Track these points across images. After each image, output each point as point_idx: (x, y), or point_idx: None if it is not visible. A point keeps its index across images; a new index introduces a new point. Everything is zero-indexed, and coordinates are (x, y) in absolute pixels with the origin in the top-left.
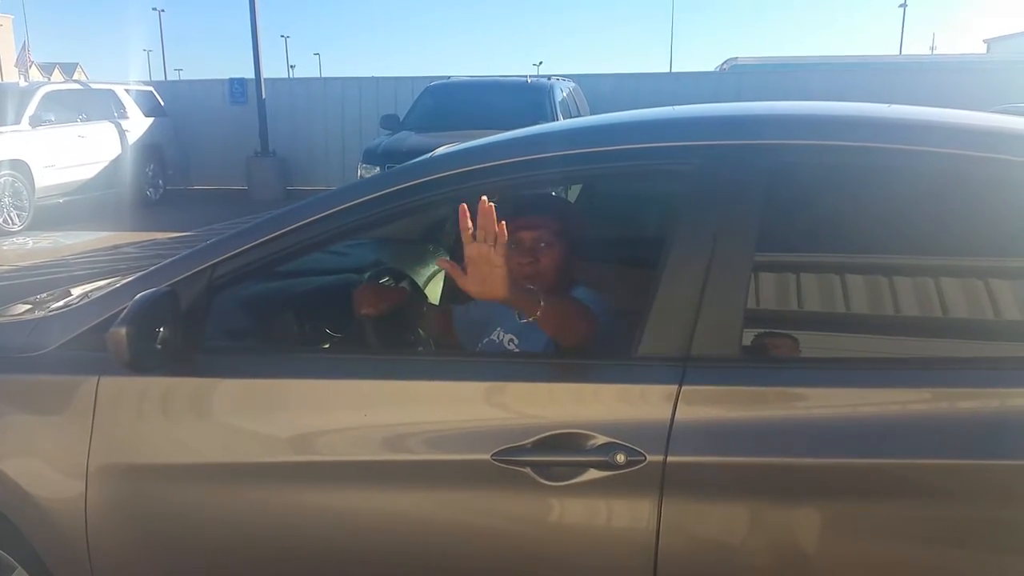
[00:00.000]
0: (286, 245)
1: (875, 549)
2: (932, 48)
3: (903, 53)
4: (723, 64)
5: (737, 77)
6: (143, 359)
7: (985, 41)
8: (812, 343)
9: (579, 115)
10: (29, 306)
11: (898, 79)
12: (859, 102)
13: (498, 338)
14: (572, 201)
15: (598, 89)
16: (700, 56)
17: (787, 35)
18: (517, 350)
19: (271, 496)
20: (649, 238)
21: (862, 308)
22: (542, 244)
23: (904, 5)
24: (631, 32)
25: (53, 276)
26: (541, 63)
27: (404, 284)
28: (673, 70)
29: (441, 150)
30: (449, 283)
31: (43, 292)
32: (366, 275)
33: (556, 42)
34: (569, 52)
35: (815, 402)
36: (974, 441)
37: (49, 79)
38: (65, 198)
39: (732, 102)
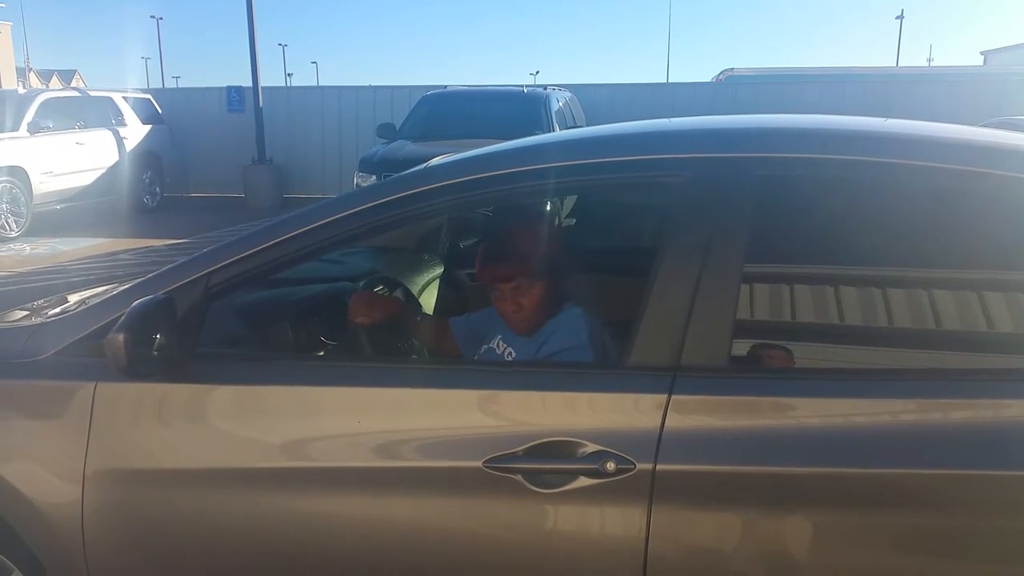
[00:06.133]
0: (282, 254)
1: (863, 559)
2: (929, 60)
3: (900, 65)
4: (719, 75)
5: (733, 88)
6: (140, 365)
7: (982, 53)
8: (801, 354)
9: (575, 125)
10: (27, 312)
11: (894, 91)
12: (854, 114)
13: (497, 347)
14: (553, 218)
15: (594, 99)
16: (697, 66)
17: (785, 46)
18: (513, 358)
19: (265, 501)
20: (640, 249)
21: (851, 320)
22: (520, 288)
23: (901, 17)
24: (629, 41)
25: (50, 282)
26: (538, 72)
27: (398, 293)
28: (670, 80)
29: (436, 160)
30: (444, 293)
31: (40, 298)
32: (361, 284)
33: (553, 51)
34: (567, 61)
35: (803, 412)
36: (965, 452)
37: (47, 86)
38: (63, 205)
39: (727, 114)
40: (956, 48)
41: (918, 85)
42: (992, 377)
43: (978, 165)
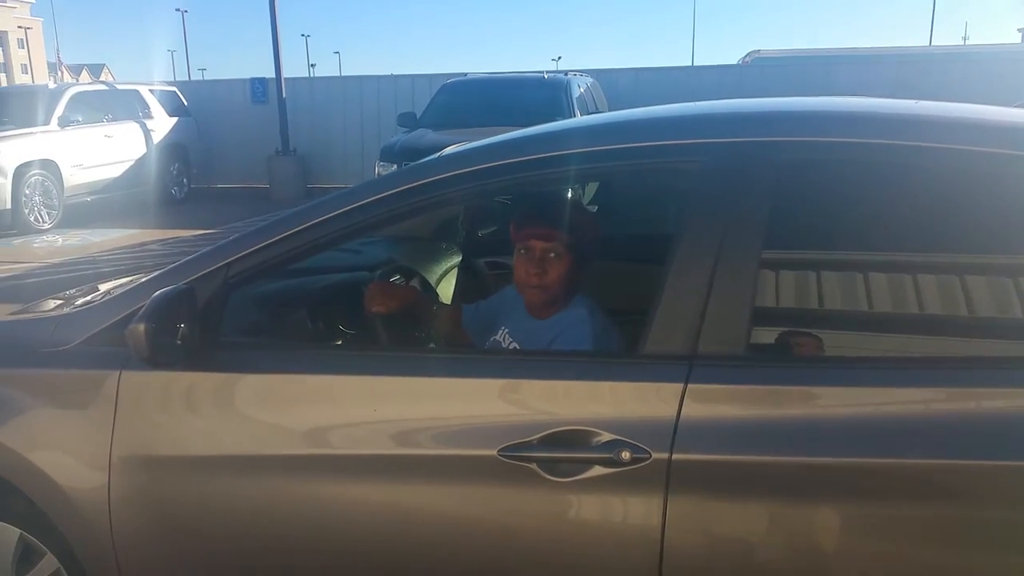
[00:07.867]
0: (300, 243)
1: (882, 549)
2: (964, 39)
3: (933, 44)
4: (745, 57)
5: (759, 70)
6: (162, 354)
7: (1020, 30)
8: (823, 342)
9: (597, 111)
10: (60, 301)
11: (927, 71)
12: (885, 96)
13: (503, 340)
14: (590, 208)
15: (617, 84)
16: (723, 49)
17: (813, 27)
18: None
19: (285, 487)
20: (657, 235)
21: (868, 307)
22: (552, 255)
23: None
24: (654, 25)
25: (82, 272)
26: (560, 58)
27: (415, 282)
28: (695, 63)
29: (451, 148)
30: (461, 281)
31: (72, 288)
32: (377, 273)
33: (576, 36)
34: (590, 46)
35: (820, 401)
36: (999, 442)
37: (77, 80)
38: (93, 196)
39: (754, 97)
40: (992, 25)
41: (952, 65)
42: (1020, 365)
43: (1015, 148)
